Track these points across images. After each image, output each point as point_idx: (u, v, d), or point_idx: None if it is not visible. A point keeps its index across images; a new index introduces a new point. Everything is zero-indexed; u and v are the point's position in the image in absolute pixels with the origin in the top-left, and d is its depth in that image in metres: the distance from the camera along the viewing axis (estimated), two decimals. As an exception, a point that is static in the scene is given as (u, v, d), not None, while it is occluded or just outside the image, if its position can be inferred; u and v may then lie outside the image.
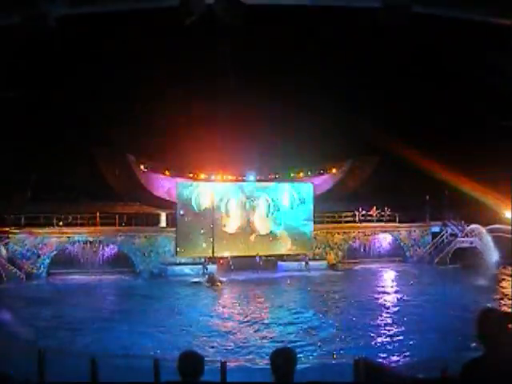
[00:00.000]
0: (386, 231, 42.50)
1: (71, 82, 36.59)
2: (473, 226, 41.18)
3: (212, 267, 36.30)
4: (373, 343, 18.12)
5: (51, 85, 35.95)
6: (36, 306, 24.39)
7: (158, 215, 39.81)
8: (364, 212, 42.34)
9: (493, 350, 4.11)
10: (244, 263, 37.10)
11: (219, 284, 32.23)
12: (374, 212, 42.47)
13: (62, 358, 11.80)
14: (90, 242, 36.81)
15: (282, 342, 17.93)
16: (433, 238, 41.80)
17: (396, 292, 29.78)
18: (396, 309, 24.66)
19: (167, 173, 40.62)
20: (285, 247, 39.35)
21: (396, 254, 42.56)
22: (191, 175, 39.80)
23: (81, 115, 37.68)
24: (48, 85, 35.72)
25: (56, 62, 34.19)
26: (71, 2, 6.83)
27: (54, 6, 6.62)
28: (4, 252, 34.29)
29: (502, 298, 26.61)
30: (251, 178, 40.09)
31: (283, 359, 4.45)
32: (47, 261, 35.41)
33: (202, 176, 39.62)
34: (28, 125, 35.65)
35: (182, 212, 37.70)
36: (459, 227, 41.73)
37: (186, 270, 36.23)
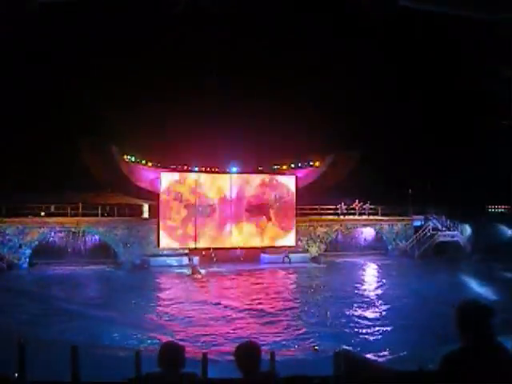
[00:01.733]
0: (368, 225, 42.71)
1: (56, 70, 36.30)
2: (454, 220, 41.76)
3: (194, 259, 36.38)
4: (352, 336, 18.20)
5: (36, 73, 35.63)
6: (16, 296, 24.21)
7: (141, 206, 39.65)
8: (346, 205, 42.47)
9: (472, 343, 4.15)
10: (226, 255, 37.14)
11: (200, 275, 32.28)
12: (356, 205, 42.63)
13: (42, 348, 11.75)
14: (73, 233, 36.64)
15: (260, 334, 17.97)
16: (415, 232, 42.04)
17: (376, 285, 29.93)
18: (375, 302, 24.78)
19: (150, 164, 40.50)
20: (267, 239, 39.37)
21: (378, 248, 42.79)
22: (174, 167, 39.68)
23: (65, 104, 37.43)
24: (32, 73, 35.40)
25: (40, 49, 33.93)
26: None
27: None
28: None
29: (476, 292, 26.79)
30: (234, 170, 40.07)
31: (246, 354, 4.46)
32: (29, 251, 35.14)
33: (185, 167, 39.50)
34: (10, 113, 35.30)
35: (164, 203, 37.56)
36: (441, 221, 42.10)
37: (169, 261, 36.18)
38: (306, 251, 40.09)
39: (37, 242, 35.48)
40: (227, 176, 39.41)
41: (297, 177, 41.14)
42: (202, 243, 37.82)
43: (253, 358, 4.42)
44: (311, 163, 43.73)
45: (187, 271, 33.03)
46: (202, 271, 33.18)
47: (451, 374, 4.13)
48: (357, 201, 42.57)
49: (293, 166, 43.01)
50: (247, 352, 4.48)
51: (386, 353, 15.54)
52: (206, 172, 39.70)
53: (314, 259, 39.39)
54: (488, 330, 4.19)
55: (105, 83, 36.73)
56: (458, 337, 4.19)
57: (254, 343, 4.67)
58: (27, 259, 35.00)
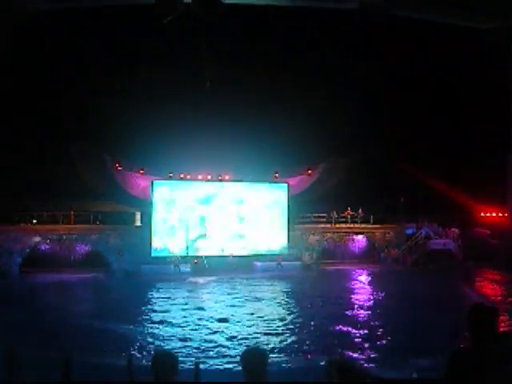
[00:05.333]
0: (360, 233, 42.74)
1: (49, 78, 36.25)
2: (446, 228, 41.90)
3: (186, 266, 36.42)
4: (345, 344, 18.17)
5: (28, 81, 35.56)
6: (5, 304, 24.03)
7: (133, 214, 39.59)
8: (337, 214, 42.55)
9: (481, 343, 4.26)
10: (219, 263, 37.07)
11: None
12: (347, 213, 42.75)
13: (34, 357, 11.67)
14: (65, 240, 36.48)
15: (254, 342, 17.94)
16: (407, 240, 42.09)
17: (367, 293, 29.94)
18: (366, 310, 24.75)
19: (142, 171, 40.44)
20: (260, 247, 39.36)
21: (370, 256, 42.83)
22: (166, 174, 39.55)
23: (57, 111, 37.34)
24: (25, 81, 35.32)
25: (32, 57, 33.87)
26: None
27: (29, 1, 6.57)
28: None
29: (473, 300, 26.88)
30: (227, 177, 40.08)
31: (254, 359, 4.45)
32: (20, 259, 34.97)
33: (178, 175, 39.41)
34: (2, 118, 35.15)
35: (156, 211, 37.53)
36: (433, 229, 42.18)
37: (161, 268, 36.09)
38: (299, 259, 40.11)
39: (28, 250, 35.33)
40: (219, 184, 39.44)
41: (289, 185, 41.20)
42: (195, 251, 37.79)
43: (260, 364, 4.42)
44: (303, 171, 43.64)
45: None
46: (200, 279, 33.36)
47: (459, 372, 4.24)
48: (349, 208, 42.71)
49: (285, 173, 42.89)
50: (254, 357, 4.48)
51: (378, 360, 15.55)
52: (197, 180, 39.62)
53: (307, 267, 39.42)
54: (495, 331, 4.33)
55: (98, 90, 36.70)
56: (466, 337, 4.33)
57: (261, 349, 4.67)
58: (18, 267, 34.82)
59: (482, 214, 44.86)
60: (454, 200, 40.94)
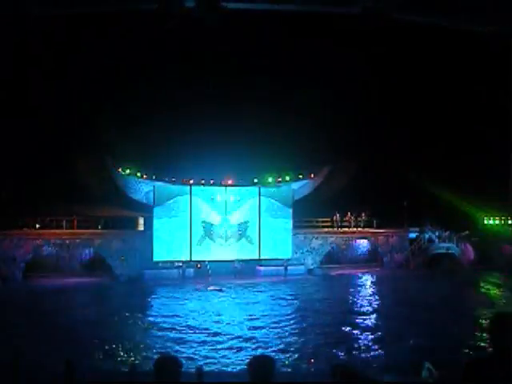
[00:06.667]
0: (363, 237, 42.69)
1: (52, 83, 36.33)
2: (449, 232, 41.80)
3: (189, 271, 36.38)
4: (348, 349, 18.13)
5: (30, 85, 35.64)
6: (8, 309, 24.06)
7: (136, 219, 39.57)
8: (340, 218, 42.54)
9: (501, 352, 4.25)
10: (222, 268, 37.00)
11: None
12: (348, 218, 42.74)
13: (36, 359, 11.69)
14: (67, 245, 36.46)
15: (258, 348, 17.91)
16: (410, 244, 42.02)
17: (369, 298, 29.86)
18: (368, 314, 24.71)
19: (145, 176, 40.47)
20: (263, 252, 39.29)
21: (373, 260, 42.72)
22: (169, 179, 39.56)
23: (60, 117, 37.39)
24: (27, 85, 35.41)
25: (33, 62, 33.96)
26: (48, 3, 6.79)
27: (32, 5, 6.57)
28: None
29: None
30: (230, 182, 40.06)
31: (261, 367, 4.43)
32: (23, 264, 34.97)
33: (180, 180, 39.41)
34: (4, 124, 35.23)
35: (159, 216, 37.50)
36: (436, 233, 42.09)
37: (164, 273, 36.07)
38: (302, 264, 40.03)
39: (31, 255, 35.32)
40: (222, 188, 39.41)
41: (292, 189, 41.17)
42: (197, 256, 37.74)
43: (266, 372, 4.41)
44: (307, 175, 43.64)
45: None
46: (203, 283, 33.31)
47: (473, 380, 4.23)
48: (349, 213, 42.72)
49: (288, 178, 42.90)
50: (261, 365, 4.47)
51: (383, 365, 15.51)
52: (200, 184, 39.61)
53: (310, 271, 39.35)
54: None
55: (100, 95, 36.77)
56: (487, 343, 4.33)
57: (269, 357, 4.67)
58: (21, 272, 34.81)
59: (486, 219, 44.75)
60: (457, 204, 40.86)
